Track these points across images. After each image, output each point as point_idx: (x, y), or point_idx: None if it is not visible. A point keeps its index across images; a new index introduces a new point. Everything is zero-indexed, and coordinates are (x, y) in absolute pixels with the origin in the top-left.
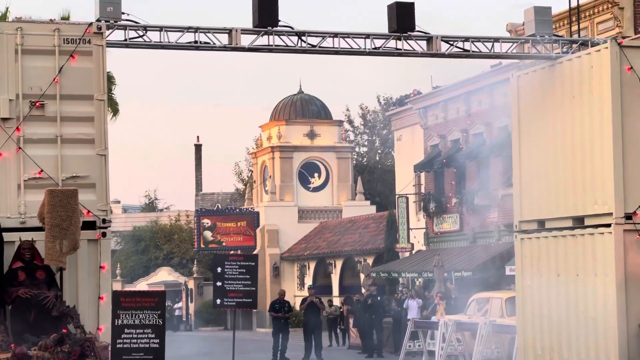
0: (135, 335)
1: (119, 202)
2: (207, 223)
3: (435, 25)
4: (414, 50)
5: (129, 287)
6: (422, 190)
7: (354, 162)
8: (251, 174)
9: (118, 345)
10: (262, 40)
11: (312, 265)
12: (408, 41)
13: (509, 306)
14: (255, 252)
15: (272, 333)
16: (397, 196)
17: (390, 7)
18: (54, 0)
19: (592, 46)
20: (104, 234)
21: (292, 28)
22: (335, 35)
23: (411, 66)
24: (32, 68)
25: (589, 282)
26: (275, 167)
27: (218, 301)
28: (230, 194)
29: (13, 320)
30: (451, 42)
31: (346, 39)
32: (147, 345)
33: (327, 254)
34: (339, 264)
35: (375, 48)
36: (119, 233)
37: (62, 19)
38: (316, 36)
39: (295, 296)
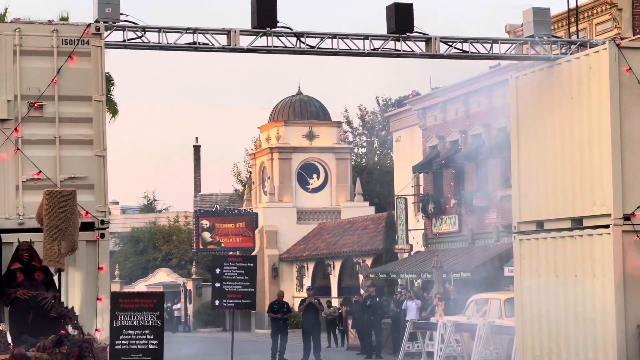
0: (133, 337)
1: (117, 203)
2: (206, 224)
3: (433, 26)
4: (413, 51)
5: (128, 288)
6: (421, 191)
7: (353, 163)
8: (250, 175)
9: (116, 347)
10: (261, 41)
11: (311, 266)
12: (407, 42)
13: (507, 307)
14: (254, 253)
15: (271, 334)
16: (395, 197)
17: (388, 8)
18: (53, 1)
19: (590, 47)
20: (102, 235)
21: (291, 29)
22: (334, 36)
23: (410, 67)
24: (31, 69)
25: (588, 283)
26: (274, 168)
27: (217, 302)
28: (229, 195)
29: (11, 321)
30: (450, 43)
31: (345, 40)
32: (146, 347)
33: (325, 255)
34: (337, 265)
35: (374, 49)
36: (117, 234)
37: (61, 19)
38: (315, 37)
39: (294, 297)
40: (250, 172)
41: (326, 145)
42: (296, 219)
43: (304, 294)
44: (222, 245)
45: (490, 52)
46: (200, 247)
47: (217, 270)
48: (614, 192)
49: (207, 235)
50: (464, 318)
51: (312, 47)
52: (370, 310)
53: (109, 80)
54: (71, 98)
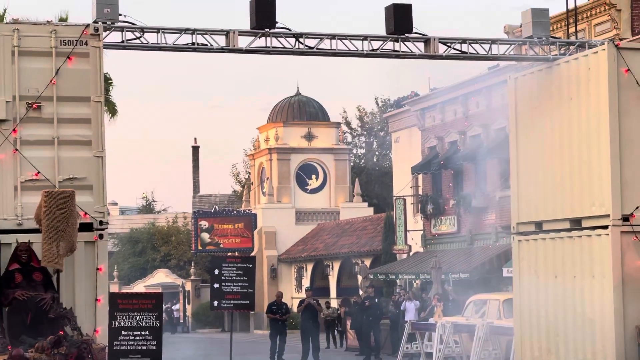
0: (132, 337)
1: (116, 204)
2: (205, 225)
3: (432, 25)
4: (412, 52)
5: (126, 289)
6: (420, 192)
7: (352, 164)
8: (249, 176)
9: (115, 347)
10: (260, 42)
11: (310, 267)
12: (405, 43)
13: (506, 308)
14: (252, 254)
15: (270, 335)
16: (394, 198)
17: (387, 8)
18: (52, 1)
19: (589, 48)
20: (101, 236)
21: (290, 30)
22: (332, 37)
23: (409, 68)
24: (29, 69)
25: (586, 284)
26: (273, 168)
27: (215, 303)
28: (227, 195)
29: (10, 322)
30: (449, 44)
31: (344, 40)
32: (144, 347)
33: (324, 256)
34: (336, 265)
35: (372, 50)
36: (116, 235)
37: (60, 20)
38: (314, 38)
39: (293, 298)
40: (249, 173)
41: (325, 146)
42: (295, 219)
43: (302, 294)
44: (221, 246)
45: (489, 52)
46: (199, 247)
47: (216, 271)
48: (612, 193)
49: (205, 236)
50: (462, 319)
51: (310, 47)
52: (369, 311)
53: (107, 81)
54: (70, 99)
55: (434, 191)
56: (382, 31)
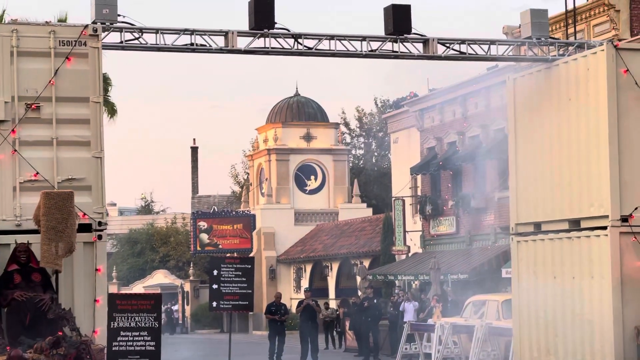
0: (131, 338)
1: (115, 204)
2: (204, 226)
3: (431, 27)
4: (410, 52)
5: (125, 290)
6: (419, 193)
7: (351, 164)
8: (247, 177)
9: (114, 348)
10: (259, 43)
11: (309, 267)
12: (404, 44)
13: (505, 309)
14: (251, 255)
15: (268, 336)
16: (393, 199)
17: (386, 9)
18: (51, 2)
19: (588, 49)
20: (99, 237)
21: (289, 30)
22: (331, 37)
23: (407, 69)
24: (28, 70)
25: (585, 284)
26: (272, 169)
27: (214, 304)
28: (226, 196)
29: (8, 322)
30: (447, 45)
31: (342, 41)
32: (143, 348)
33: (323, 257)
34: (335, 266)
35: (371, 50)
36: (115, 236)
37: (59, 21)
38: (312, 38)
39: (292, 299)
40: (248, 174)
41: (324, 147)
42: (294, 220)
43: (301, 295)
44: (220, 246)
45: (488, 53)
46: (198, 248)
47: (215, 272)
48: (611, 194)
49: (204, 236)
50: (461, 320)
51: (309, 48)
52: (367, 311)
53: (106, 81)
54: (68, 99)
55: (432, 192)
56: (381, 32)
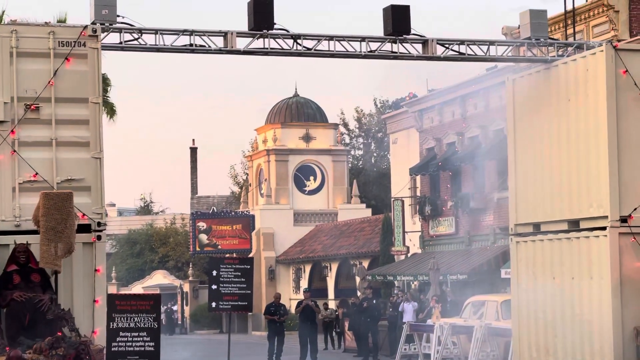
0: (130, 339)
1: (114, 205)
2: (203, 226)
3: (430, 27)
4: (410, 53)
5: (124, 290)
6: (418, 194)
7: (350, 165)
8: (247, 177)
9: (113, 349)
10: (258, 43)
11: (308, 268)
12: (403, 44)
13: (504, 309)
14: (250, 255)
15: (268, 336)
16: (392, 199)
17: (385, 10)
18: (50, 2)
19: (587, 49)
20: (99, 237)
21: (288, 31)
22: (330, 38)
23: (407, 69)
24: (27, 71)
25: (585, 285)
26: (271, 170)
27: (213, 304)
28: (225, 197)
29: (8, 323)
30: (447, 45)
31: (341, 42)
32: (142, 349)
33: (322, 257)
34: (334, 267)
35: (370, 51)
36: (114, 236)
37: (59, 21)
38: (312, 39)
39: (291, 299)
40: (247, 174)
41: (323, 148)
42: (293, 221)
43: (300, 296)
44: (219, 247)
45: (487, 54)
46: (197, 249)
47: (214, 273)
48: (610, 194)
49: (203, 237)
50: (460, 320)
51: (308, 49)
52: (367, 312)
53: (105, 81)
54: (68, 100)
55: (432, 192)
56: (380, 32)
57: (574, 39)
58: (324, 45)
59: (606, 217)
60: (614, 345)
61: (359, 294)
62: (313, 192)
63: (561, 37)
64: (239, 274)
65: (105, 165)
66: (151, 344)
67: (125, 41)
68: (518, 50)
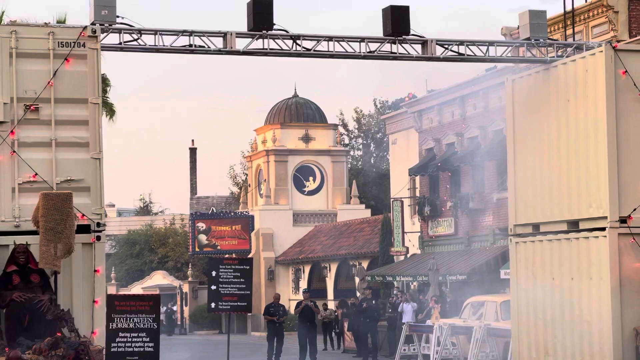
0: (129, 339)
1: (113, 205)
2: (202, 227)
3: (430, 28)
4: (409, 53)
5: (124, 291)
6: (417, 194)
7: (349, 165)
8: (246, 178)
9: (112, 349)
10: (257, 44)
11: (307, 268)
12: (403, 45)
13: (503, 310)
14: (250, 256)
15: (267, 337)
16: (392, 200)
17: (385, 10)
18: (50, 3)
19: (586, 50)
20: (98, 238)
21: (287, 31)
22: (330, 38)
23: (406, 69)
24: (27, 71)
25: (584, 285)
26: (270, 170)
27: (213, 305)
28: (225, 197)
29: (7, 324)
30: (446, 46)
31: (341, 42)
32: (142, 349)
33: (322, 258)
34: (333, 267)
35: (370, 52)
36: (113, 237)
37: (58, 22)
38: (311, 40)
39: (290, 300)
40: (247, 175)
41: (322, 148)
42: (292, 221)
43: (300, 296)
44: (218, 247)
45: (487, 54)
46: (196, 249)
47: (213, 273)
48: (610, 195)
49: (203, 237)
50: (460, 321)
51: (308, 49)
52: (366, 313)
53: (105, 82)
54: (67, 100)
55: (431, 193)
56: (379, 33)
57: (574, 40)
58: (323, 46)
59: (605, 217)
60: (614, 345)
61: (358, 294)
62: (312, 192)
63: (560, 37)
64: (238, 274)
65: (105, 165)
66: (150, 344)
67: (125, 42)
68: (517, 51)
